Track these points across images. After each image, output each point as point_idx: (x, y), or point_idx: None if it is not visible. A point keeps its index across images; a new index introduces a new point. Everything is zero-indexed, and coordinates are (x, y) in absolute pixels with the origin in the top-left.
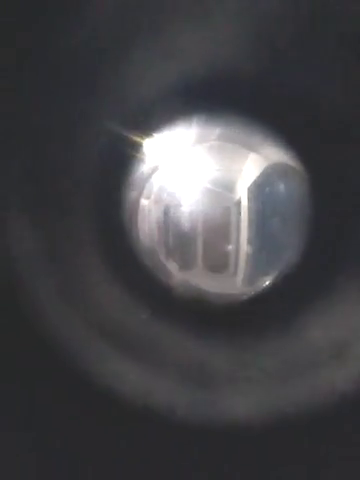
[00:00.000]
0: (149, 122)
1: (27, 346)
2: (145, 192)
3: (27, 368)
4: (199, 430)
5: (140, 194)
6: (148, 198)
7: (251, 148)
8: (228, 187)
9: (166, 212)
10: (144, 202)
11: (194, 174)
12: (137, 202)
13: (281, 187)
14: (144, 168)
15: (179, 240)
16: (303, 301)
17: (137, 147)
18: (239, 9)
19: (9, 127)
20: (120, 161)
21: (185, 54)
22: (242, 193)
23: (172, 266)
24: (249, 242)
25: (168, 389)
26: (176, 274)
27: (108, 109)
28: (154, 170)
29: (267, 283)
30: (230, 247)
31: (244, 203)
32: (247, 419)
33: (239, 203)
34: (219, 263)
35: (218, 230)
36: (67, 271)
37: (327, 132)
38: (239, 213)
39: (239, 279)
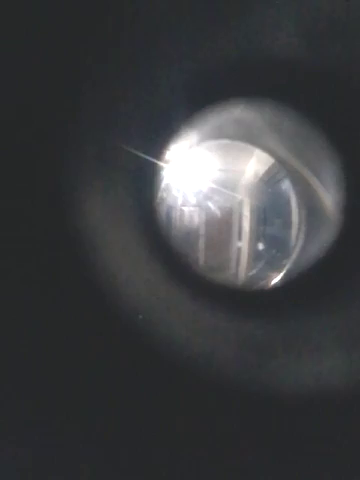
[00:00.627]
0: (168, 121)
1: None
2: None
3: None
4: (245, 394)
5: None
6: None
7: (256, 147)
8: (232, 186)
9: (170, 211)
10: None
11: (199, 173)
12: None
13: (285, 186)
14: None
15: (182, 238)
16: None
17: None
18: None
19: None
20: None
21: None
22: (246, 192)
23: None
24: (252, 241)
25: (214, 354)
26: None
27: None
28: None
29: (273, 283)
30: (233, 246)
31: (247, 202)
32: (293, 388)
33: (242, 202)
34: (222, 261)
35: (222, 228)
36: (119, 246)
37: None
38: (242, 212)
39: (241, 278)
